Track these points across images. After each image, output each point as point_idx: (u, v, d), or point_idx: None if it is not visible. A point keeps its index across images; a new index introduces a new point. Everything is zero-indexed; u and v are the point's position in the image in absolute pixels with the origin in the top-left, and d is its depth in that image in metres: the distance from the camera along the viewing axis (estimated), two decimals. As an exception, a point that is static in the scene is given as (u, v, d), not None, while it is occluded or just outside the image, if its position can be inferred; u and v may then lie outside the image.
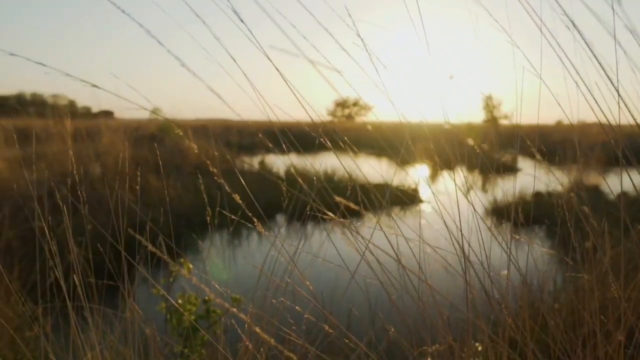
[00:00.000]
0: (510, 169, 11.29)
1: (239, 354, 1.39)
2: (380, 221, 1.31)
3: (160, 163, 5.24)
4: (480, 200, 1.68)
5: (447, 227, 1.32)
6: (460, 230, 1.29)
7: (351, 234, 1.30)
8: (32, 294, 2.68)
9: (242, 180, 1.60)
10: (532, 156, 1.83)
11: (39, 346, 1.85)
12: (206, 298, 2.13)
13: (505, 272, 1.65)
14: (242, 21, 1.17)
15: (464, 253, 1.20)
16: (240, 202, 1.39)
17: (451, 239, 1.30)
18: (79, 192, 1.51)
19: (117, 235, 1.69)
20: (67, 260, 1.57)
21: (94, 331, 1.64)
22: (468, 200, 1.44)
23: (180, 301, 2.06)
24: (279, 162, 10.75)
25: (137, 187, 1.71)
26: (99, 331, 1.54)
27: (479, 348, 1.74)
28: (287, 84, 1.24)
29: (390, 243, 1.26)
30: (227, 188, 1.63)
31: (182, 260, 2.08)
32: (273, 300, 1.41)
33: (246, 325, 1.35)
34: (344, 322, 2.02)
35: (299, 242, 1.39)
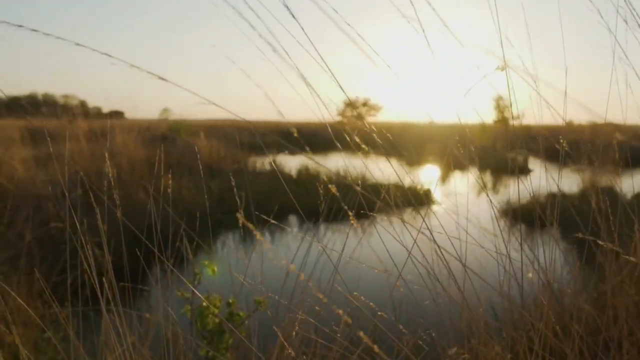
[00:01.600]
0: (523, 170, 11.18)
1: (273, 357, 1.37)
2: (413, 220, 1.28)
3: (171, 163, 5.24)
4: (508, 200, 1.64)
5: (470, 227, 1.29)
6: (501, 232, 1.26)
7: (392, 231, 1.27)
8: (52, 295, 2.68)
9: (253, 180, 1.57)
10: (544, 156, 1.80)
11: (64, 348, 1.83)
12: (230, 300, 2.11)
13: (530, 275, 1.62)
14: (258, 18, 1.14)
15: (508, 254, 1.17)
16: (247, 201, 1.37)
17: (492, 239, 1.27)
18: (112, 194, 1.49)
19: (137, 235, 1.68)
20: (88, 261, 1.56)
21: (122, 332, 1.63)
22: (489, 199, 1.41)
23: (204, 303, 2.04)
24: (291, 162, 10.73)
25: (169, 190, 1.69)
26: (130, 332, 1.53)
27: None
28: (307, 82, 1.22)
29: (435, 241, 1.24)
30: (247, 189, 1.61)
31: (206, 262, 2.06)
32: (316, 306, 1.39)
33: (279, 329, 1.33)
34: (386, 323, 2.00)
35: (345, 241, 1.37)
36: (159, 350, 1.87)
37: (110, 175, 1.39)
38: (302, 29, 1.13)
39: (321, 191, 1.45)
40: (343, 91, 1.20)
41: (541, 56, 1.46)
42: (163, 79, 0.94)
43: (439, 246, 1.29)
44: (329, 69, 1.15)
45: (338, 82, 1.34)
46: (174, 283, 2.08)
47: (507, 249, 1.34)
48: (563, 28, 1.54)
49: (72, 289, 1.80)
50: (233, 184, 1.52)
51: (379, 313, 1.33)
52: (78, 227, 1.39)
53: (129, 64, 0.88)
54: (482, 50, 1.39)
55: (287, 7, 1.14)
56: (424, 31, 1.31)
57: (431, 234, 1.25)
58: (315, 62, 1.15)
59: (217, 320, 2.06)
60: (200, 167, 2.19)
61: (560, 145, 1.66)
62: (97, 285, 1.33)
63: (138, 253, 1.49)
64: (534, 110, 1.51)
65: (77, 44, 0.77)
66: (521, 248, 1.38)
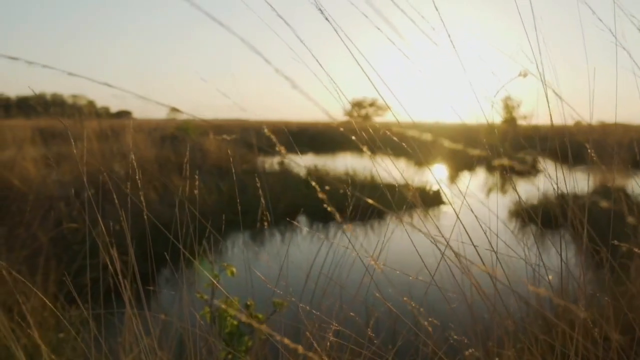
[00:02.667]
0: (532, 170, 11.09)
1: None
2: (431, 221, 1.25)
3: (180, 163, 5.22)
4: (521, 202, 1.61)
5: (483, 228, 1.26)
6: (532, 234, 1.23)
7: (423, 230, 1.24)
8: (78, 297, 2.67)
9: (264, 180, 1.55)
10: (552, 157, 1.77)
11: (84, 350, 1.81)
12: (248, 302, 2.08)
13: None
14: (278, 16, 1.12)
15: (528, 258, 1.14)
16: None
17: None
18: (138, 194, 1.47)
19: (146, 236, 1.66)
20: (114, 263, 1.54)
21: (143, 335, 1.61)
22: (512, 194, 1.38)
23: (223, 305, 2.01)
24: (300, 162, 10.69)
25: (195, 192, 1.66)
26: (154, 335, 1.51)
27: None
28: (332, 78, 1.18)
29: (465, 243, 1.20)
30: (266, 189, 1.58)
31: (225, 263, 2.04)
32: (350, 312, 1.36)
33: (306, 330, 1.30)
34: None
35: (381, 241, 1.34)
36: (179, 352, 1.85)
37: (135, 175, 1.37)
38: (297, 38, 1.10)
39: (349, 192, 1.42)
40: (343, 96, 1.18)
41: (553, 54, 1.42)
42: (177, 109, 0.92)
43: (465, 259, 1.26)
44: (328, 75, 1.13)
45: (339, 89, 1.32)
46: (193, 284, 2.06)
47: (539, 255, 1.31)
48: (571, 28, 1.51)
49: (89, 290, 1.78)
50: (258, 184, 1.50)
51: (430, 319, 1.30)
52: (102, 228, 1.37)
53: (133, 94, 0.86)
54: (504, 55, 1.35)
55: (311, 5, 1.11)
56: (449, 36, 1.28)
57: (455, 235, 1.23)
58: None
59: (235, 322, 2.04)
60: (208, 166, 2.16)
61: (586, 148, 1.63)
62: (124, 288, 1.30)
63: (167, 257, 1.46)
64: (545, 110, 1.47)
65: (70, 74, 0.75)
66: (563, 256, 1.35)
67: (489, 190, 8.78)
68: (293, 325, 1.56)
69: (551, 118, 1.45)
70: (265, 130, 1.03)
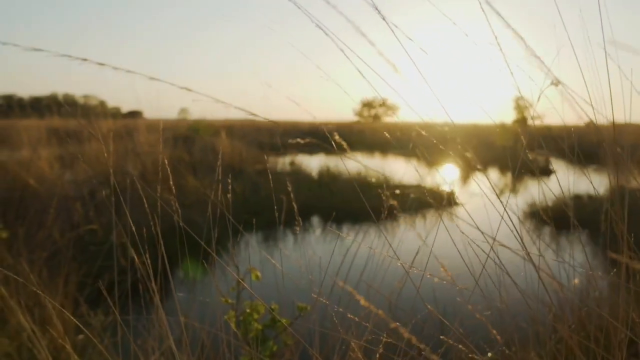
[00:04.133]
0: (544, 171, 11.01)
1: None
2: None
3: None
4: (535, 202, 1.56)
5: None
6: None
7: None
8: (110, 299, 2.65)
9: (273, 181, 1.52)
10: (565, 157, 1.72)
11: (110, 354, 1.80)
12: (272, 306, 2.06)
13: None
14: (304, 8, 1.09)
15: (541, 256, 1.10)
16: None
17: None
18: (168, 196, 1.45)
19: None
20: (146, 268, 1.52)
21: (169, 338, 1.58)
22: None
23: (248, 310, 1.99)
24: (311, 162, 10.68)
25: (228, 196, 1.64)
26: (186, 338, 1.48)
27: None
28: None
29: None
30: (290, 189, 1.56)
31: (249, 267, 2.01)
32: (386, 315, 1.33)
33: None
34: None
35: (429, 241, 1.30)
36: (203, 357, 1.82)
37: (169, 178, 1.34)
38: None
39: (384, 195, 1.38)
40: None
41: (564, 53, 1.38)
42: (188, 89, 0.90)
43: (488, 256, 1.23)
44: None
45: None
46: (214, 287, 2.04)
47: (587, 259, 1.27)
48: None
49: (116, 293, 1.76)
50: (289, 189, 1.46)
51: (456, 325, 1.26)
52: (132, 230, 1.34)
53: (148, 77, 0.83)
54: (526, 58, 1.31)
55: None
56: (495, 39, 1.24)
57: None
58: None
59: (259, 326, 2.01)
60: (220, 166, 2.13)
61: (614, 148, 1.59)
62: (154, 292, 1.28)
63: (205, 263, 1.44)
64: (558, 110, 1.43)
65: (152, 78, 0.73)
66: (590, 258, 1.31)
67: (515, 191, 8.71)
68: (324, 330, 1.53)
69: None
70: (336, 136, 1.00)
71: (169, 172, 1.76)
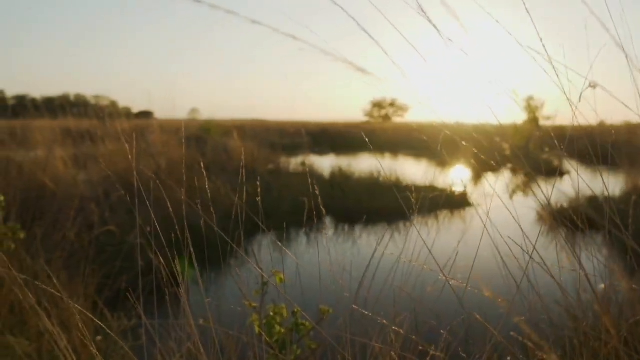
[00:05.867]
0: (557, 171, 10.87)
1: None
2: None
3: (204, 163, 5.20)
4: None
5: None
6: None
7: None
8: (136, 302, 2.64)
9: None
10: (578, 158, 1.68)
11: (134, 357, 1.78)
12: (295, 310, 2.02)
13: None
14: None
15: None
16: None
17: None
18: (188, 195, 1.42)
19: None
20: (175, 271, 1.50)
21: (188, 341, 1.56)
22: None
23: (271, 313, 1.96)
24: (322, 163, 10.66)
25: (258, 199, 1.61)
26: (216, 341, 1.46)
27: None
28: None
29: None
30: (316, 188, 1.52)
31: (273, 270, 1.98)
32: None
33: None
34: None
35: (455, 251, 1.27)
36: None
37: (190, 179, 1.32)
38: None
39: (413, 198, 1.35)
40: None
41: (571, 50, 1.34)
42: (294, 36, 0.87)
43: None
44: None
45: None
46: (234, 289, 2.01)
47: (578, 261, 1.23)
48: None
49: (140, 296, 1.74)
50: (317, 192, 1.43)
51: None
52: (159, 234, 1.32)
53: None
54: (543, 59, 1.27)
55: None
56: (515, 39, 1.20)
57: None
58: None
59: (283, 330, 1.98)
60: (232, 167, 2.10)
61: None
62: (180, 295, 1.26)
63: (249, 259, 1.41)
64: (572, 110, 1.39)
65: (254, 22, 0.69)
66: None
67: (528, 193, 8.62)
68: (353, 338, 1.49)
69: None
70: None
71: (183, 173, 1.73)
